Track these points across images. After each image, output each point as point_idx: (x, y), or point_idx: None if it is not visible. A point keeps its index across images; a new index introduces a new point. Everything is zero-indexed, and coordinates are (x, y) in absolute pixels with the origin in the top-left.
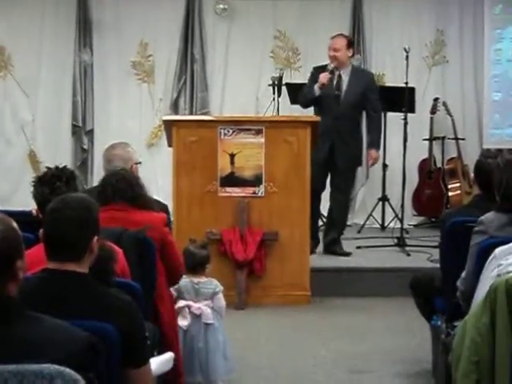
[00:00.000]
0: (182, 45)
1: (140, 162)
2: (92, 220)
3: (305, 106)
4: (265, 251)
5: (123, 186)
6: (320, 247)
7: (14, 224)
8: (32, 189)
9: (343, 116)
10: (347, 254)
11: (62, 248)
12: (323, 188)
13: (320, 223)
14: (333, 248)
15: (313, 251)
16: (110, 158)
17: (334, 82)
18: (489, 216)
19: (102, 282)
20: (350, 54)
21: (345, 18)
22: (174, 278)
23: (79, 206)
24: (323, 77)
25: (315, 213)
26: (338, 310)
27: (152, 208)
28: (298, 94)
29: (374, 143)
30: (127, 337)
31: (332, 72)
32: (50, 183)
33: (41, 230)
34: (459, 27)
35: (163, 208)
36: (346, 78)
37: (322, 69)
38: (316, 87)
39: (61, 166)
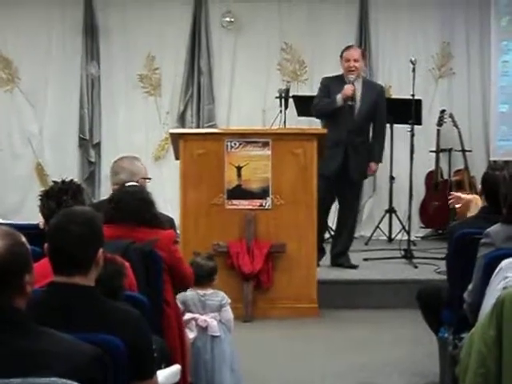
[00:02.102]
0: (188, 58)
1: (150, 178)
2: (97, 233)
3: (321, 116)
4: (272, 263)
5: (135, 207)
6: (326, 260)
7: (23, 238)
8: (39, 203)
9: (356, 128)
10: (354, 267)
11: (68, 263)
12: (333, 201)
13: (327, 235)
14: (340, 261)
15: (318, 263)
16: (117, 171)
17: None
18: (495, 228)
19: (111, 297)
20: (364, 65)
21: (351, 31)
22: (183, 287)
23: (83, 220)
24: (348, 89)
25: (323, 225)
26: (345, 322)
27: (161, 225)
28: (305, 106)
29: (375, 156)
30: (134, 350)
31: (353, 83)
32: (57, 197)
33: (46, 244)
34: (466, 39)
35: (169, 221)
36: (359, 90)
37: (335, 80)
38: (339, 98)
39: (67, 180)
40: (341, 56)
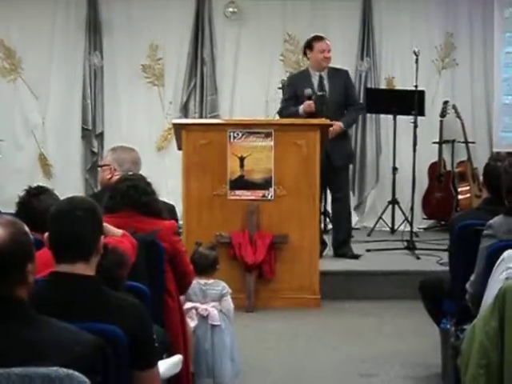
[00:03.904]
0: (191, 48)
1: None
2: (99, 219)
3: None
4: (274, 254)
5: (133, 193)
6: (329, 251)
7: (26, 228)
8: (23, 219)
9: (331, 116)
10: (357, 257)
11: (72, 249)
12: (322, 189)
13: (330, 226)
14: (342, 251)
15: (320, 255)
16: (135, 161)
17: (316, 84)
18: (497, 220)
19: (112, 287)
20: None
21: (354, 22)
22: (183, 286)
23: (86, 206)
24: (308, 106)
25: (321, 215)
26: (347, 313)
27: (161, 216)
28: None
29: (343, 120)
30: (135, 339)
31: (310, 98)
32: (31, 193)
33: (45, 234)
34: (469, 30)
35: (170, 209)
36: (326, 79)
37: (300, 76)
38: (301, 111)
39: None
40: (309, 47)
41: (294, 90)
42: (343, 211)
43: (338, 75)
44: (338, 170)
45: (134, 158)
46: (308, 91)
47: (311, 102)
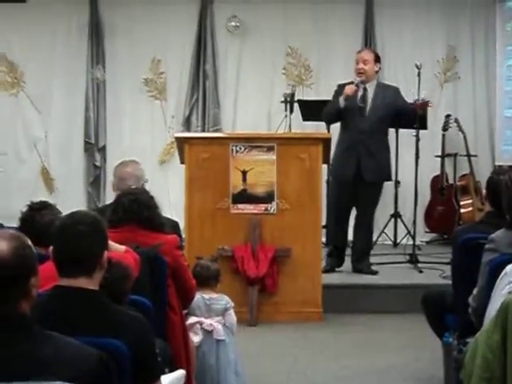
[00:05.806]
0: (194, 62)
1: (147, 180)
2: (102, 234)
3: (329, 121)
4: (277, 268)
5: (135, 208)
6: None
7: (29, 241)
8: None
9: (369, 129)
10: (374, 273)
11: (74, 264)
12: (352, 206)
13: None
14: (359, 266)
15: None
16: (124, 176)
17: (359, 95)
18: (499, 234)
19: (116, 301)
20: (377, 69)
21: (357, 35)
22: (186, 301)
23: (89, 221)
24: (349, 88)
25: (343, 233)
26: (350, 327)
27: (164, 230)
28: (310, 110)
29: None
30: (138, 354)
31: (357, 85)
32: (31, 210)
33: (50, 248)
34: (471, 43)
35: (173, 225)
36: (371, 92)
37: (346, 85)
38: (341, 99)
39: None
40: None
41: (338, 98)
42: (365, 227)
43: (385, 91)
44: (369, 185)
45: (137, 172)
46: (357, 79)
47: (352, 85)
